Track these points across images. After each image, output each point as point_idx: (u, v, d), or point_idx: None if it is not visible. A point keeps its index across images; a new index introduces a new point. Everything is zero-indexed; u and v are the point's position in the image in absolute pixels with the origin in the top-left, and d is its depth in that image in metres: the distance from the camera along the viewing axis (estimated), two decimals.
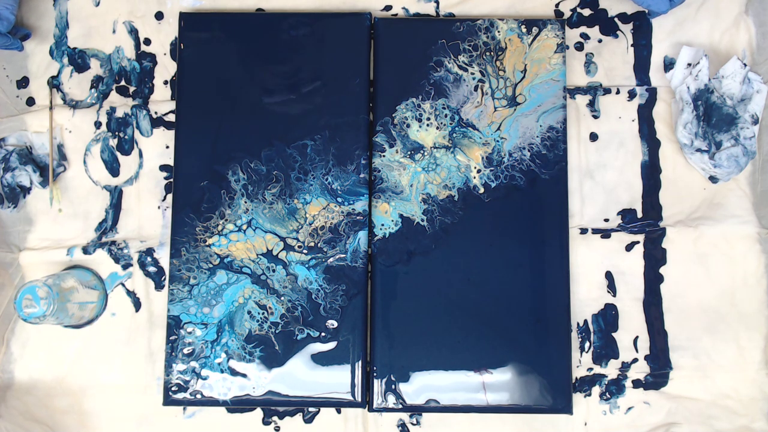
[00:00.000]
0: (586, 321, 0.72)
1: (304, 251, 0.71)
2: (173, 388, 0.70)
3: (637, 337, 0.72)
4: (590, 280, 0.73)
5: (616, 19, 0.75)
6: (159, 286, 0.73)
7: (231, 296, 0.70)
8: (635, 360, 0.72)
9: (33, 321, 0.66)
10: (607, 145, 0.74)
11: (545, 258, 0.70)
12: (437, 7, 0.75)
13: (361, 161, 0.71)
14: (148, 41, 0.76)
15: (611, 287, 0.73)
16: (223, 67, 0.73)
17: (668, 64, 0.74)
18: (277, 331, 0.70)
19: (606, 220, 0.73)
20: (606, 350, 0.72)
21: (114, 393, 0.72)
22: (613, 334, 0.72)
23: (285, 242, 0.71)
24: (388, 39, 0.73)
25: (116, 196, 0.75)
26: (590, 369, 0.72)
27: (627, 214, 0.73)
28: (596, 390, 0.71)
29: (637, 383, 0.71)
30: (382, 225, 0.71)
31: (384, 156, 0.72)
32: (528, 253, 0.70)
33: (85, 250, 0.74)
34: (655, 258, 0.73)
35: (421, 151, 0.72)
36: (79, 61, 0.76)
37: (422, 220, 0.71)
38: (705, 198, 0.73)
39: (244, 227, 0.71)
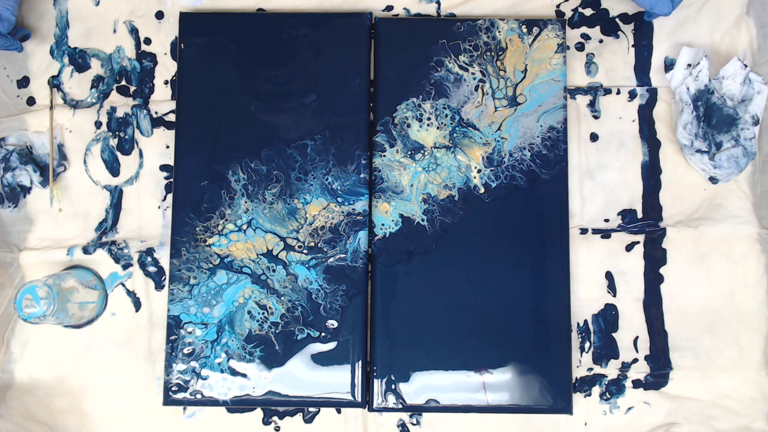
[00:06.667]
0: (586, 321, 0.72)
1: (304, 251, 0.71)
2: (173, 388, 0.70)
3: (637, 337, 0.72)
4: (590, 280, 0.73)
5: (617, 20, 0.75)
6: (159, 286, 0.73)
7: (231, 296, 0.70)
8: (635, 360, 0.72)
9: (33, 321, 0.65)
10: (607, 145, 0.74)
11: (545, 258, 0.70)
12: (438, 8, 0.75)
13: (362, 161, 0.71)
14: (148, 41, 0.76)
15: (611, 287, 0.73)
16: (224, 66, 0.73)
17: (668, 65, 0.74)
18: (277, 331, 0.70)
19: (606, 221, 0.73)
20: (606, 350, 0.72)
21: (114, 393, 0.72)
22: (613, 334, 0.72)
23: (285, 242, 0.71)
24: (389, 39, 0.73)
25: (116, 195, 0.75)
26: (590, 369, 0.72)
27: (627, 215, 0.73)
28: (596, 390, 0.71)
29: (637, 383, 0.71)
30: (383, 225, 0.71)
31: (384, 156, 0.72)
32: (528, 253, 0.70)
33: (85, 250, 0.73)
34: (655, 258, 0.73)
35: (422, 151, 0.72)
36: (79, 60, 0.76)
37: (422, 220, 0.71)
38: (705, 198, 0.73)
39: (245, 227, 0.71)
